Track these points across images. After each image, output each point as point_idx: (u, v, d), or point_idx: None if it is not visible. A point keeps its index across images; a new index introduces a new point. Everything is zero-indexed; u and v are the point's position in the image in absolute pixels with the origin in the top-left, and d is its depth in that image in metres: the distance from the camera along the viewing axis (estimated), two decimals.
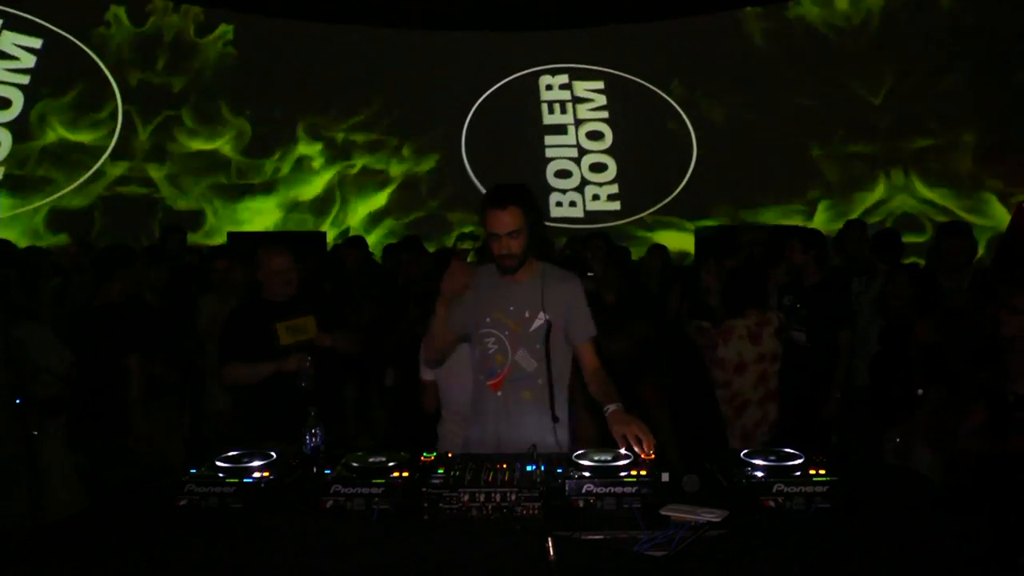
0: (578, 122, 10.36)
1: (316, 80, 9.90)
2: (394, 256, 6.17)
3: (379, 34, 10.00)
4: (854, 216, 8.90)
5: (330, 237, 9.36)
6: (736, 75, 9.64)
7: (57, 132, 9.10)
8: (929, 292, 4.02)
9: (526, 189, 2.72)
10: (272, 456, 2.40)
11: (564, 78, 10.38)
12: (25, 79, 8.99)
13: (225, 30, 9.84)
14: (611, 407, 2.57)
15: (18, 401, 3.73)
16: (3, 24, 8.90)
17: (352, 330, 4.08)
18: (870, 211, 9.20)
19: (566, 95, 10.39)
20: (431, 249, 6.70)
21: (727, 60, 9.70)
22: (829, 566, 1.86)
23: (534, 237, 2.70)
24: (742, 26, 9.74)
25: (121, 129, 9.36)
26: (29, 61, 8.99)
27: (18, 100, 8.96)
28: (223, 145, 9.85)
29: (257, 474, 2.27)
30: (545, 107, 10.41)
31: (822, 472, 2.18)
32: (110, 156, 9.29)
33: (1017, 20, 8.21)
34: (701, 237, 8.51)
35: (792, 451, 2.35)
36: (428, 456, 2.40)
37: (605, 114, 10.32)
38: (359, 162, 10.28)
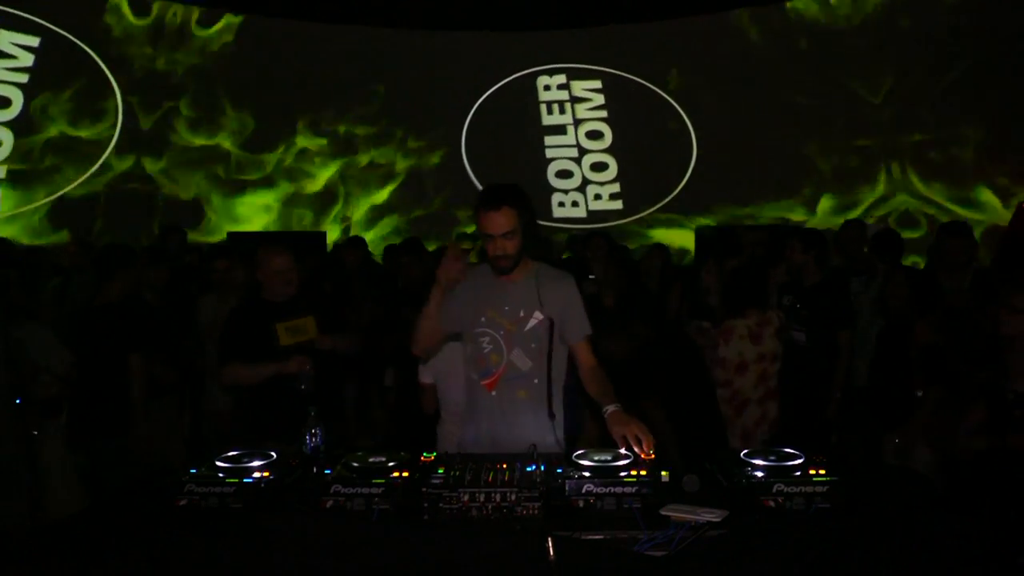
0: (577, 122, 10.36)
1: (316, 80, 9.91)
2: (394, 257, 6.17)
3: (379, 34, 10.00)
4: (854, 214, 8.96)
5: (331, 237, 9.38)
6: (736, 74, 9.64)
7: (58, 127, 9.11)
8: (929, 292, 4.02)
9: (519, 189, 2.71)
10: (272, 456, 2.40)
11: (562, 78, 10.38)
12: (24, 78, 9.00)
13: (230, 21, 9.85)
14: (610, 408, 2.57)
15: (18, 401, 3.73)
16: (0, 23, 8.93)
17: (352, 330, 4.08)
18: (870, 209, 9.22)
19: (564, 95, 10.39)
20: (431, 248, 6.70)
21: (726, 59, 9.71)
22: (829, 566, 1.86)
23: (528, 237, 2.70)
24: (740, 25, 9.76)
25: (122, 123, 9.36)
26: (27, 60, 9.00)
27: (17, 99, 8.97)
28: (224, 139, 9.86)
29: (257, 474, 2.27)
30: (544, 107, 10.42)
31: (822, 472, 2.18)
32: (112, 150, 9.29)
33: (1017, 20, 8.22)
34: (701, 237, 8.52)
35: (792, 451, 2.35)
36: (428, 456, 2.41)
37: (604, 113, 10.32)
38: (360, 160, 10.29)
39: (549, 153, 10.36)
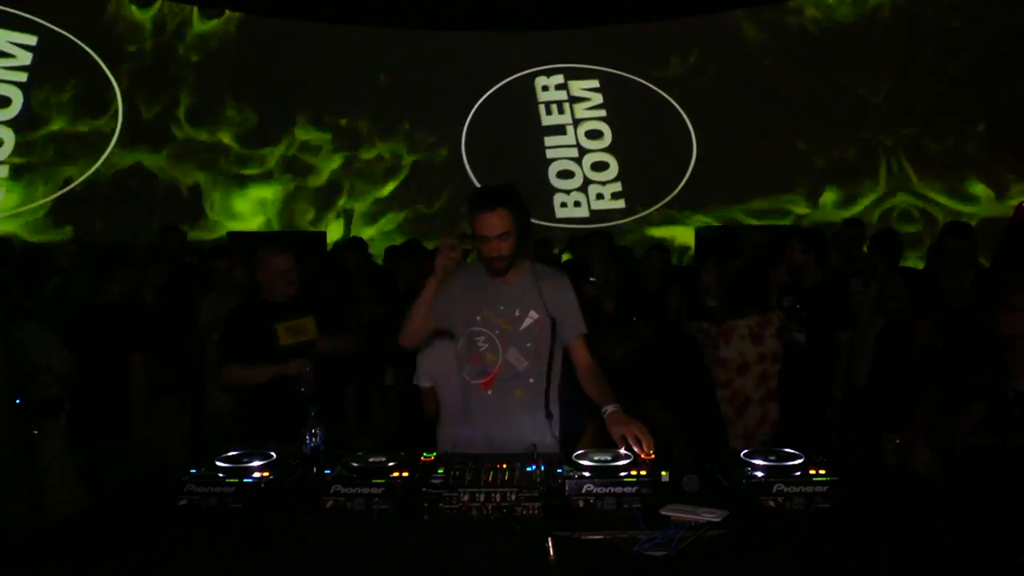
0: (576, 122, 10.36)
1: (316, 80, 9.91)
2: (395, 258, 6.16)
3: (379, 34, 10.00)
4: (854, 210, 8.98)
5: (330, 235, 9.39)
6: (736, 74, 9.65)
7: (59, 123, 9.13)
8: (929, 292, 4.02)
9: (513, 190, 2.70)
10: (272, 456, 2.40)
11: (560, 78, 10.38)
12: (23, 76, 9.01)
13: (231, 16, 9.85)
14: (609, 408, 2.57)
15: (18, 401, 3.73)
16: None
17: (352, 330, 4.07)
18: (870, 208, 9.23)
19: (563, 95, 10.39)
20: (430, 247, 6.70)
21: (724, 58, 9.71)
22: (829, 566, 1.86)
23: (523, 238, 2.70)
24: (739, 24, 9.76)
25: (123, 117, 9.37)
26: (25, 58, 9.01)
27: (17, 98, 8.98)
28: (224, 134, 9.86)
29: (257, 474, 2.27)
30: (543, 108, 10.42)
31: (822, 472, 2.18)
32: (113, 145, 9.30)
33: (1017, 19, 8.22)
34: (701, 237, 8.52)
35: (792, 451, 2.35)
36: (428, 456, 2.40)
37: (602, 112, 10.32)
38: (361, 157, 10.29)
39: (549, 154, 10.36)
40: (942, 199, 9.01)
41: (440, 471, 2.22)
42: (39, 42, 9.04)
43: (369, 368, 5.12)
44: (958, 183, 8.99)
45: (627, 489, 2.14)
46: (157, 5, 9.62)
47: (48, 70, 9.06)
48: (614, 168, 10.23)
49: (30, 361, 3.93)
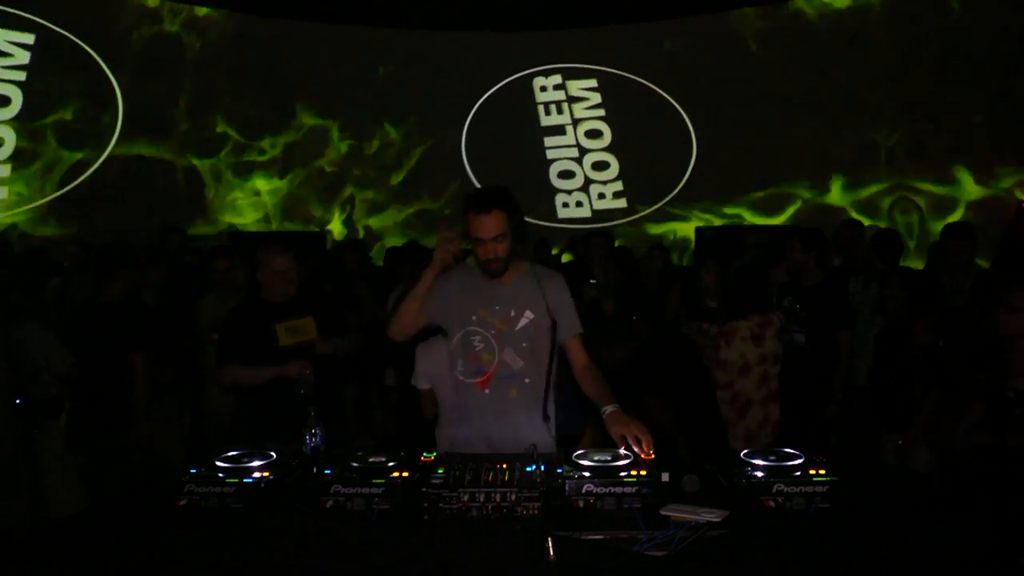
0: (575, 122, 10.36)
1: (316, 80, 9.91)
2: (396, 260, 6.15)
3: (379, 34, 10.00)
4: (855, 208, 9.00)
5: (333, 234, 9.41)
6: (736, 73, 9.65)
7: (59, 119, 9.14)
8: (929, 292, 4.02)
9: (508, 192, 2.70)
10: (272, 456, 2.40)
11: (558, 78, 10.38)
12: (22, 75, 9.01)
13: (231, 13, 9.87)
14: (608, 408, 2.56)
15: (18, 401, 3.73)
16: None
17: (352, 330, 4.07)
18: (871, 198, 9.24)
19: (561, 95, 10.39)
20: (430, 245, 6.70)
21: (723, 57, 9.72)
22: (829, 566, 1.86)
23: (518, 240, 2.70)
24: (738, 23, 9.77)
25: (123, 113, 9.37)
26: (24, 57, 9.01)
27: (17, 97, 8.99)
28: (224, 129, 9.88)
29: (257, 474, 2.27)
30: (541, 108, 10.42)
31: (822, 472, 2.18)
32: (114, 141, 9.31)
33: (1018, 19, 8.23)
34: (702, 237, 8.51)
35: (792, 451, 2.35)
36: (428, 456, 2.40)
37: (601, 112, 10.33)
38: (361, 157, 10.29)
39: (550, 154, 10.36)
40: (930, 186, 9.04)
41: (440, 471, 2.22)
42: (37, 40, 9.05)
43: (369, 368, 5.12)
44: (949, 173, 9.03)
45: (627, 489, 2.14)
46: (157, 3, 9.62)
47: (48, 69, 9.06)
48: (615, 167, 10.23)
49: (30, 361, 3.93)
